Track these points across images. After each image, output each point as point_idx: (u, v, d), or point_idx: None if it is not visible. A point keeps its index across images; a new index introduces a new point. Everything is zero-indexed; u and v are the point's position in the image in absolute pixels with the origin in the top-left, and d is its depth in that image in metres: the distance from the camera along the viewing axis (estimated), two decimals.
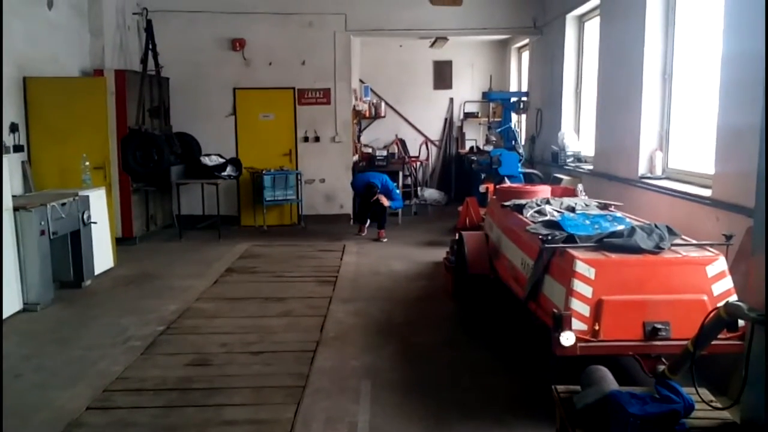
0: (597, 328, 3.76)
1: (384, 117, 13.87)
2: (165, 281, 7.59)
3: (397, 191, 10.47)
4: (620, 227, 4.36)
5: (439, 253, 8.17)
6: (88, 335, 5.74)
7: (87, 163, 8.14)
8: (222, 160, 10.56)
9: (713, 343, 3.31)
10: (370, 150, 12.95)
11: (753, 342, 2.93)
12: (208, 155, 10.58)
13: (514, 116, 11.46)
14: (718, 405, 3.31)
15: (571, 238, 4.21)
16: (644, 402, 3.14)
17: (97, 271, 7.61)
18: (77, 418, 4.14)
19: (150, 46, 9.82)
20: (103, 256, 7.83)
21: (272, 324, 5.98)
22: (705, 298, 3.75)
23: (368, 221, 10.38)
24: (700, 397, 3.20)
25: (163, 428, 4.00)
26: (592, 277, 3.79)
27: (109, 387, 4.62)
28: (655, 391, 3.29)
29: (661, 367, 3.64)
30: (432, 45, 13.05)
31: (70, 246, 7.19)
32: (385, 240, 9.86)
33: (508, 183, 8.16)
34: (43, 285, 6.51)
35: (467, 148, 13.89)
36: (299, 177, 11.17)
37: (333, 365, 5.00)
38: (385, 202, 10.00)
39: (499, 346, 5.32)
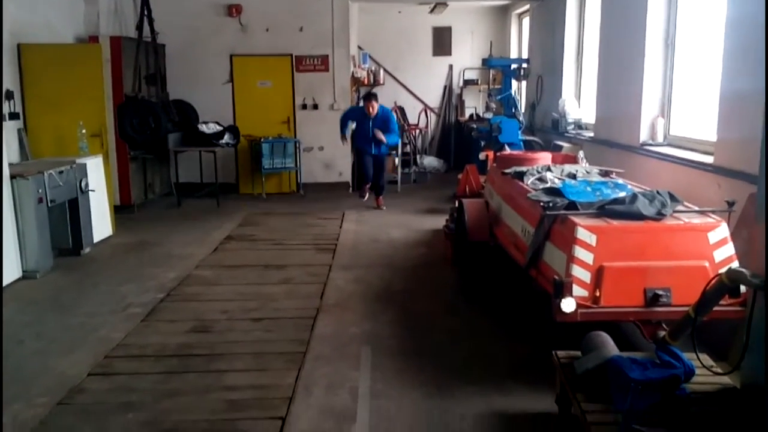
0: (598, 294, 3.76)
1: (383, 84, 13.73)
2: (164, 249, 7.58)
3: (395, 122, 9.90)
4: (622, 194, 4.33)
5: (439, 221, 8.16)
6: (88, 302, 5.74)
7: (83, 131, 8.06)
8: (220, 128, 10.48)
9: (714, 309, 3.31)
10: None
11: (755, 308, 2.93)
12: (205, 123, 10.50)
13: (514, 83, 11.34)
14: (719, 370, 3.32)
15: (572, 205, 4.18)
16: (645, 367, 3.15)
17: (96, 239, 7.59)
18: (78, 384, 4.15)
19: (145, 12, 9.64)
20: (101, 224, 7.81)
21: (272, 291, 5.98)
22: (706, 264, 3.75)
23: (369, 183, 9.98)
24: (700, 362, 3.22)
25: (165, 394, 4.01)
26: (594, 243, 3.77)
27: (109, 353, 4.63)
28: (655, 357, 3.30)
29: (662, 333, 3.65)
30: (431, 11, 12.88)
31: (69, 214, 7.17)
32: (384, 208, 9.69)
33: (508, 150, 8.11)
34: (42, 253, 6.50)
35: (467, 115, 13.80)
36: (298, 145, 11.10)
37: (333, 332, 5.02)
38: (382, 137, 9.49)
39: (499, 313, 5.33)
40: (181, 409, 3.83)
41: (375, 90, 13.02)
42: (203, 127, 10.34)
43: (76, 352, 4.66)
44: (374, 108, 9.46)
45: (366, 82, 13.24)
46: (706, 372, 3.26)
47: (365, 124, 9.59)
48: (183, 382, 4.18)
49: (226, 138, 10.43)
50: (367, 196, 10.17)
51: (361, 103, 10.32)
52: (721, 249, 3.79)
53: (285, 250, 7.53)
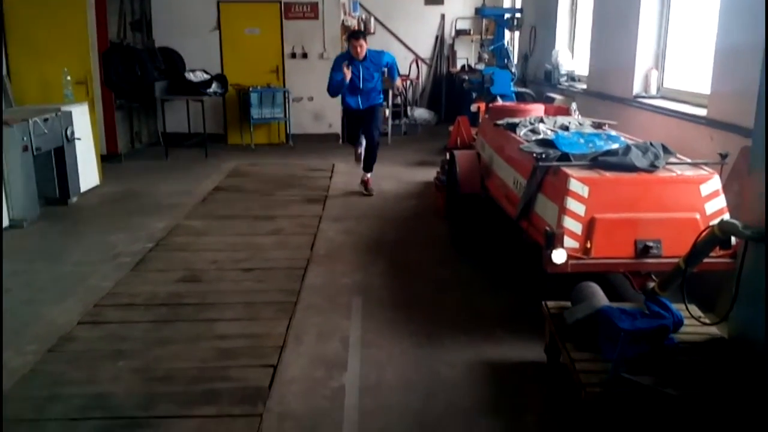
0: (589, 246, 3.76)
1: (373, 33, 13.49)
2: (152, 199, 7.52)
3: (394, 61, 8.01)
4: (615, 146, 4.30)
5: (429, 173, 8.12)
6: (77, 251, 5.71)
7: (68, 78, 7.90)
8: (207, 77, 10.31)
9: (704, 261, 3.33)
10: None
11: (745, 259, 2.95)
12: (192, 71, 10.32)
13: (507, 34, 11.15)
14: (707, 321, 3.36)
15: (565, 157, 4.16)
16: (634, 317, 3.18)
17: (83, 188, 7.52)
18: (69, 332, 4.15)
19: None
20: (88, 173, 7.72)
21: (262, 242, 5.97)
22: (697, 216, 3.75)
23: (363, 142, 7.89)
24: (689, 312, 3.25)
25: (156, 342, 4.02)
26: (586, 195, 3.76)
27: (99, 302, 4.62)
28: (645, 307, 3.33)
29: (651, 285, 3.68)
30: None
31: (55, 163, 7.07)
32: (374, 193, 7.76)
33: (500, 102, 8.03)
34: (29, 201, 6.42)
35: (458, 66, 13.64)
36: (287, 95, 10.95)
37: (324, 282, 5.03)
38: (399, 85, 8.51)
39: (489, 264, 5.35)
40: (173, 356, 3.84)
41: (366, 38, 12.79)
42: (190, 76, 10.16)
43: (66, 301, 4.65)
44: (362, 48, 7.47)
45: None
46: (694, 322, 3.30)
47: (352, 71, 7.50)
48: (174, 330, 4.19)
49: (214, 87, 10.27)
50: (362, 155, 7.98)
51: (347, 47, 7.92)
52: (712, 201, 3.79)
53: (274, 201, 7.49)
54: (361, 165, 7.93)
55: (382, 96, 8.11)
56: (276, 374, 3.64)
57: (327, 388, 3.52)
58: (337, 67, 7.49)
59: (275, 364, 3.74)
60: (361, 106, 7.74)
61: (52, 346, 3.97)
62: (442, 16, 13.96)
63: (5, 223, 6.22)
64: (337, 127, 11.37)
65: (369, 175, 7.91)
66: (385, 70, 7.83)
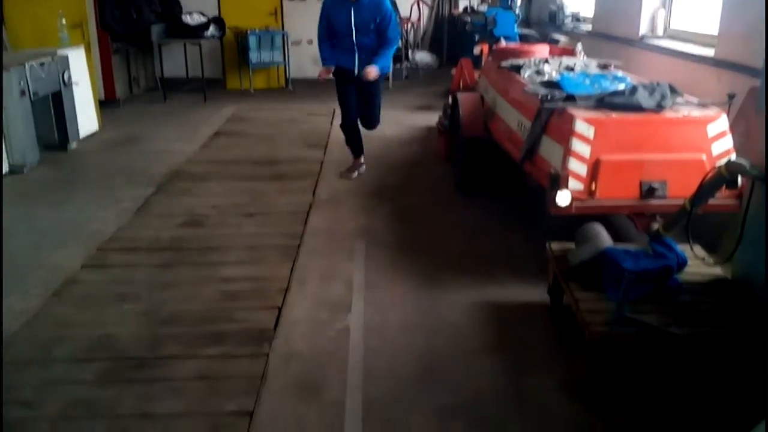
0: (593, 187, 3.73)
1: None
2: (152, 144, 7.46)
3: (393, 14, 5.88)
4: (621, 86, 4.23)
5: (432, 118, 8.04)
6: (78, 196, 5.69)
7: (63, 21, 7.72)
8: (204, 19, 10.10)
9: (710, 202, 3.31)
10: None
11: (751, 200, 2.93)
12: (189, 14, 10.10)
13: None
14: (711, 261, 3.36)
15: (570, 98, 4.09)
16: (638, 258, 3.18)
17: (82, 134, 7.44)
18: (73, 276, 4.17)
19: None
20: (87, 118, 7.63)
21: (264, 187, 5.94)
22: (704, 157, 3.71)
23: (362, 165, 6.34)
24: (693, 253, 3.24)
25: (160, 285, 4.03)
26: (591, 136, 3.71)
27: (102, 246, 4.63)
28: (649, 248, 3.33)
29: (656, 226, 3.66)
30: None
31: (53, 108, 6.98)
32: (363, 172, 6.32)
33: (504, 44, 7.88)
34: (28, 146, 6.36)
35: (461, 8, 13.32)
36: (285, 38, 10.75)
37: (327, 226, 5.02)
38: (373, 73, 5.79)
39: (493, 207, 5.34)
40: (177, 299, 3.87)
41: None
42: (187, 18, 9.96)
43: (69, 245, 4.65)
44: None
45: None
46: (698, 263, 3.30)
47: (343, 16, 5.77)
48: (177, 274, 4.20)
49: (211, 30, 10.08)
50: (357, 172, 6.28)
51: None
52: (719, 142, 3.74)
53: (275, 146, 7.43)
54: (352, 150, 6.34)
55: (389, 62, 6.42)
56: (281, 316, 3.66)
57: (332, 330, 3.55)
58: (326, 12, 5.95)
59: (280, 305, 3.76)
60: (356, 69, 5.86)
61: (57, 289, 3.99)
62: None
63: (5, 168, 6.18)
64: None
65: (361, 157, 6.37)
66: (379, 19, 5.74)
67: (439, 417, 2.84)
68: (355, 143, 6.31)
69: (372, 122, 6.27)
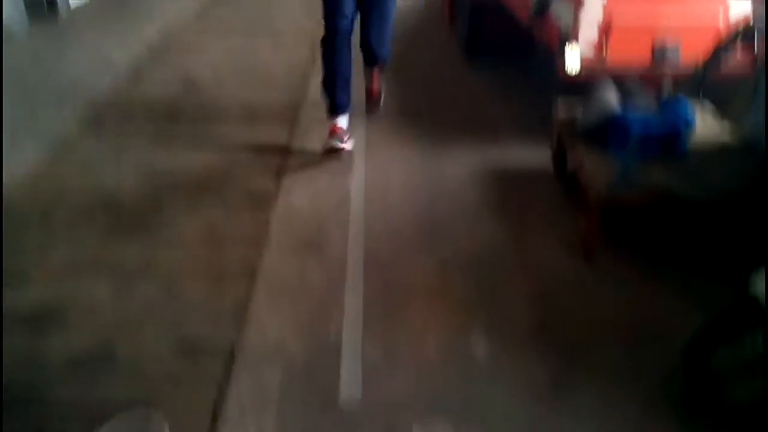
0: (604, 52, 3.62)
1: None
2: (145, 6, 7.20)
3: None
4: None
5: None
6: (71, 61, 5.52)
7: None
8: None
9: (722, 67, 3.22)
10: None
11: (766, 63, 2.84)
12: None
13: None
14: (720, 123, 3.31)
15: None
16: (646, 122, 3.11)
17: (73, 5, 7.12)
18: (71, 140, 4.12)
19: None
20: None
21: (262, 52, 5.78)
22: (720, 22, 3.57)
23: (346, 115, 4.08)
24: (702, 116, 3.18)
25: (160, 148, 3.99)
26: None
27: (99, 110, 4.54)
28: (657, 112, 3.25)
29: (666, 90, 3.58)
30: None
31: None
32: (348, 143, 3.89)
33: None
34: (16, 11, 6.10)
35: None
36: None
37: None
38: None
39: (499, 72, 5.21)
40: (178, 161, 3.82)
41: None
42: None
43: (65, 110, 4.55)
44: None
45: None
46: (707, 127, 3.25)
47: None
48: (177, 137, 4.15)
49: None
50: (344, 142, 3.85)
51: None
52: (736, 5, 3.58)
53: (273, 16, 7.15)
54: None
55: None
56: (281, 179, 3.64)
57: (333, 190, 3.54)
58: None
59: (280, 170, 3.73)
60: None
61: (54, 152, 3.94)
62: None
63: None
64: None
65: (340, 122, 3.88)
66: None
67: (438, 267, 2.88)
68: (337, 84, 3.88)
69: (378, 47, 4.12)
